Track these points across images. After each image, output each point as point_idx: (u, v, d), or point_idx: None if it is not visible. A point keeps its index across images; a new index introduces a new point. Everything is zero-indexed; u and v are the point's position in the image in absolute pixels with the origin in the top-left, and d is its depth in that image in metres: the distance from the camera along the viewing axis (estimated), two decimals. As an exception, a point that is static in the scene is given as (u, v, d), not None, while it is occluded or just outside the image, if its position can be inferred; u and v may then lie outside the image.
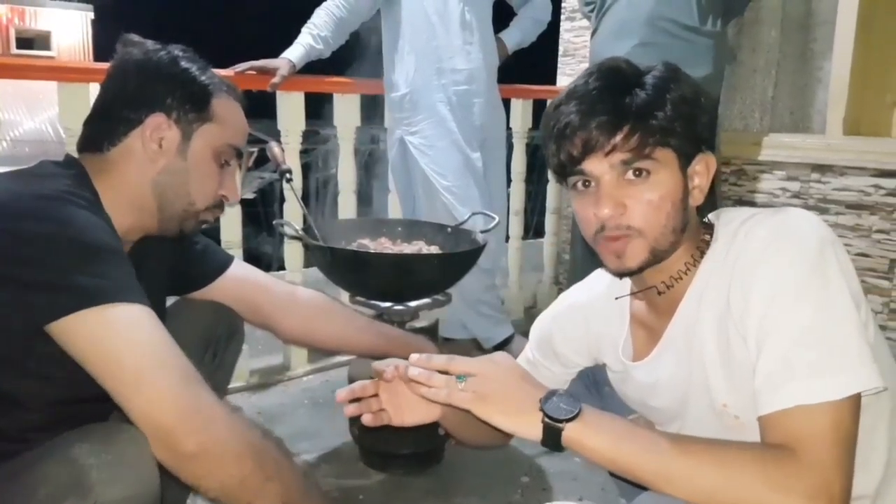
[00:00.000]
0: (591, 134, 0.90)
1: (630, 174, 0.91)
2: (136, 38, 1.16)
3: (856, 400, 0.79)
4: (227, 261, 1.41)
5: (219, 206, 1.21)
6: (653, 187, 0.91)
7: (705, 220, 1.00)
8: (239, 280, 1.41)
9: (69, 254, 0.92)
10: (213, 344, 1.40)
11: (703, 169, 0.95)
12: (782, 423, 0.79)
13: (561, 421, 0.84)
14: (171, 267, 1.31)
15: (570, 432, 0.84)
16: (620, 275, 0.99)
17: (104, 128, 1.12)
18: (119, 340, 0.91)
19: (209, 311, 1.39)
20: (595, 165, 0.92)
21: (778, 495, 0.75)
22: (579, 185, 0.95)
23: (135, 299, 0.95)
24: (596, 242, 0.96)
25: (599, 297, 1.14)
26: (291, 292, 1.48)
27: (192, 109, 1.12)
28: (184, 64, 1.14)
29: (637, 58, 0.98)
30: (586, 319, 1.15)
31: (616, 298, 1.10)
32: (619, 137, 0.89)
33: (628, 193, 0.91)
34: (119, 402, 0.91)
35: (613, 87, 0.92)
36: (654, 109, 0.90)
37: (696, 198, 0.96)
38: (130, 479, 0.88)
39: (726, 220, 0.97)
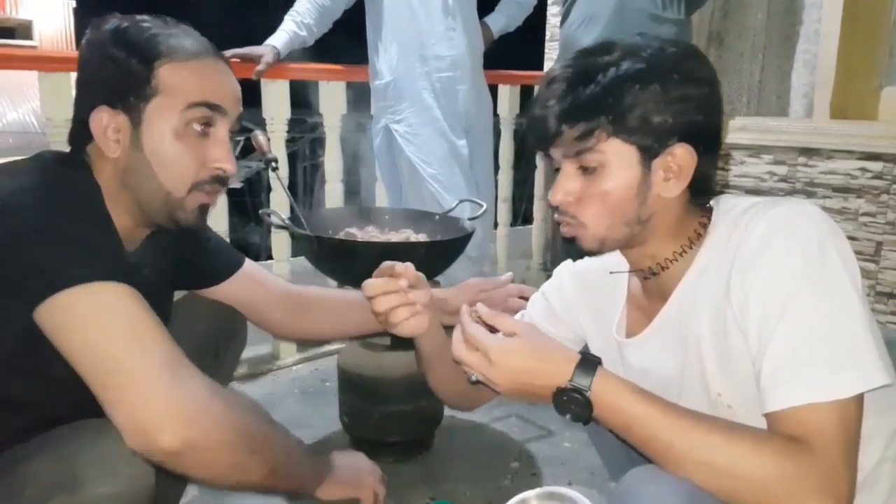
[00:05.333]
0: (543, 124, 0.92)
1: (579, 168, 0.92)
2: (104, 20, 1.02)
3: (861, 396, 0.80)
4: (238, 261, 1.36)
5: (216, 180, 1.05)
6: (601, 182, 0.91)
7: (707, 205, 0.98)
8: (248, 282, 1.36)
9: (46, 234, 0.86)
10: (214, 345, 1.36)
11: (673, 161, 0.90)
12: (792, 420, 0.79)
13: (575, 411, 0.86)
14: (181, 261, 1.25)
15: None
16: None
17: (74, 131, 1.05)
18: (97, 325, 0.85)
19: (213, 311, 1.34)
20: (555, 153, 0.95)
21: (790, 490, 0.76)
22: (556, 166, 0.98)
23: (117, 277, 0.88)
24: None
25: (599, 268, 1.13)
26: (299, 296, 1.42)
27: (131, 89, 0.98)
28: (123, 36, 1.00)
29: None
30: (585, 287, 1.15)
31: (610, 273, 1.09)
32: (565, 129, 0.90)
33: (581, 185, 0.93)
34: (95, 394, 0.85)
35: (573, 77, 0.90)
36: (603, 103, 0.87)
37: (671, 189, 0.91)
38: (122, 474, 0.86)
39: (725, 208, 0.96)
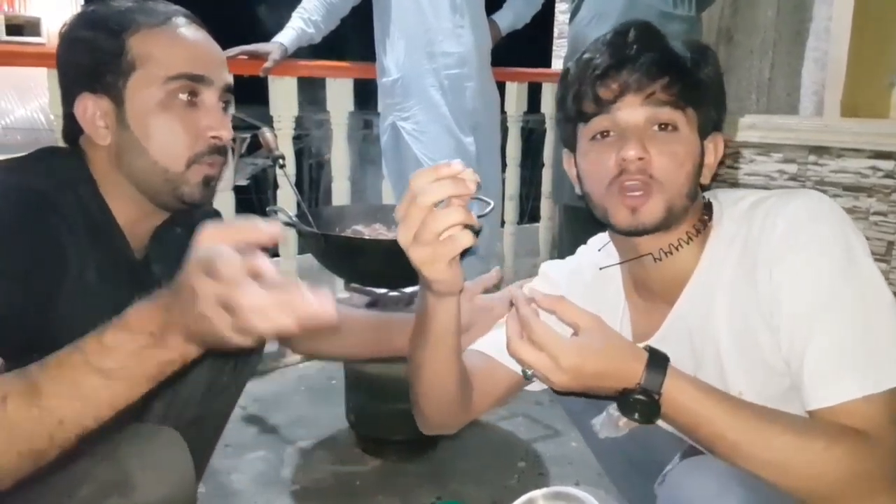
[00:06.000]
0: (631, 76, 0.88)
1: (656, 127, 0.89)
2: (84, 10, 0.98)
3: None
4: None
5: (214, 150, 0.99)
6: (678, 142, 0.90)
7: (703, 199, 0.98)
8: None
9: None
10: (233, 356, 1.28)
11: (713, 148, 0.96)
12: (844, 414, 0.79)
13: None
14: None
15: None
16: (631, 233, 0.92)
17: (65, 127, 1.01)
18: None
19: None
20: (626, 108, 0.89)
21: (862, 487, 0.77)
22: (598, 134, 0.92)
23: None
24: (609, 194, 0.91)
25: (590, 265, 1.11)
26: None
27: (107, 67, 0.94)
28: (90, 17, 0.96)
29: None
30: (584, 287, 1.09)
31: (600, 268, 1.07)
32: (660, 83, 0.88)
33: (653, 144, 0.89)
34: None
35: (656, 39, 0.91)
36: (698, 67, 0.91)
37: (705, 175, 0.95)
38: (171, 481, 0.87)
39: (729, 202, 0.95)
